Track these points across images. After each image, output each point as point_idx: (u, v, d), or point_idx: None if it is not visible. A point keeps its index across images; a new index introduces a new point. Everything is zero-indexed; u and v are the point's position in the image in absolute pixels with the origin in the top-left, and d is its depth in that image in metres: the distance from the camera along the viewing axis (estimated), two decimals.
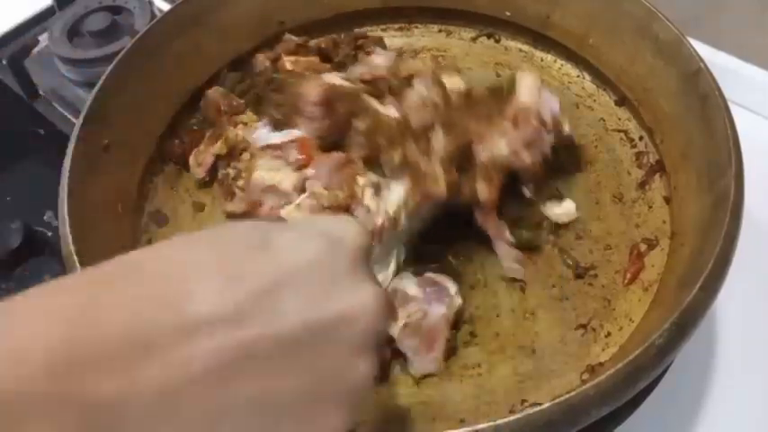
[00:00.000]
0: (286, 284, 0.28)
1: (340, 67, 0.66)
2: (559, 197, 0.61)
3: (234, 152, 0.62)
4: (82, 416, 0.23)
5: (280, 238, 0.30)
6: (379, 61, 0.63)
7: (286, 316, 0.27)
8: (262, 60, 0.68)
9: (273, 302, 0.27)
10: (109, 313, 0.25)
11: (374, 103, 0.56)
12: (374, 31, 0.74)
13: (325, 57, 0.69)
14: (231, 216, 0.62)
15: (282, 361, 0.27)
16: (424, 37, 0.75)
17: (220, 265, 0.28)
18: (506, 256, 0.57)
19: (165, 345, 0.25)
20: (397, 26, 0.74)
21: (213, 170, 0.63)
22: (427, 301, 0.53)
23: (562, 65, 0.72)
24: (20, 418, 0.22)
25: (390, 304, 0.32)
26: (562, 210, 0.60)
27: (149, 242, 0.62)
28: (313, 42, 0.69)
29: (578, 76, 0.71)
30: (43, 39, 0.86)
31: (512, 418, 0.40)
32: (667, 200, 0.60)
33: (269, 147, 0.57)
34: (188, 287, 0.26)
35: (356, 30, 0.73)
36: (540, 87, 0.59)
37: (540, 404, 0.41)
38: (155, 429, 0.24)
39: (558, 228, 0.60)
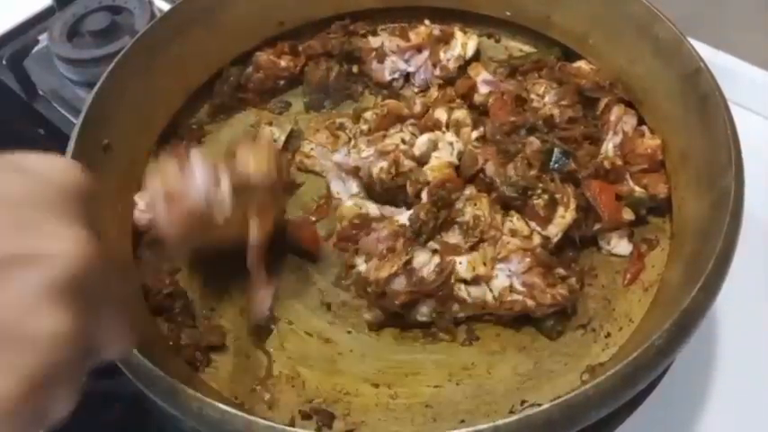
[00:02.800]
0: None
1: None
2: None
3: None
4: None
5: None
6: None
7: None
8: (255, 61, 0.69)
9: None
10: None
11: None
12: (374, 31, 0.74)
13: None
14: None
15: None
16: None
17: None
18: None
19: None
20: (396, 26, 0.73)
21: None
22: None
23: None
24: None
25: (98, 254, 0.28)
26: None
27: (149, 242, 0.62)
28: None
29: None
30: (43, 39, 0.86)
31: (512, 418, 0.40)
32: (667, 200, 0.60)
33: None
34: None
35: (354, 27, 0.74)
36: None
37: (539, 404, 0.41)
38: None
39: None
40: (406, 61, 0.72)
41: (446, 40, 0.71)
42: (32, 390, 0.26)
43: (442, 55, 0.70)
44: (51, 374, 0.26)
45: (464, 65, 0.71)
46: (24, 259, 0.26)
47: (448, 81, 0.70)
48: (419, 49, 0.71)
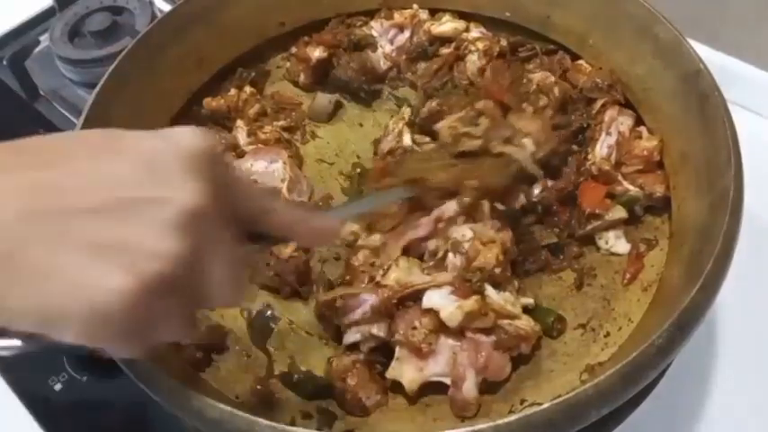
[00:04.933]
0: (117, 160, 0.35)
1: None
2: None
3: None
4: None
5: (130, 134, 0.37)
6: None
7: (102, 187, 0.33)
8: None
9: (94, 174, 0.34)
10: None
11: None
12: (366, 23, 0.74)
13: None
14: None
15: (95, 215, 0.32)
16: None
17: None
18: None
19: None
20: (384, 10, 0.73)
21: None
22: None
23: None
24: None
25: (212, 203, 0.35)
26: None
27: None
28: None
29: None
30: (44, 39, 0.86)
31: (512, 418, 0.40)
32: (667, 200, 0.60)
33: None
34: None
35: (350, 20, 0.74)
36: None
37: (539, 404, 0.41)
38: None
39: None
40: (391, 41, 0.71)
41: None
42: (145, 290, 0.32)
43: (421, 31, 0.71)
44: (162, 284, 0.33)
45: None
46: (154, 201, 0.33)
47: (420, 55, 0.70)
48: (401, 28, 0.71)
